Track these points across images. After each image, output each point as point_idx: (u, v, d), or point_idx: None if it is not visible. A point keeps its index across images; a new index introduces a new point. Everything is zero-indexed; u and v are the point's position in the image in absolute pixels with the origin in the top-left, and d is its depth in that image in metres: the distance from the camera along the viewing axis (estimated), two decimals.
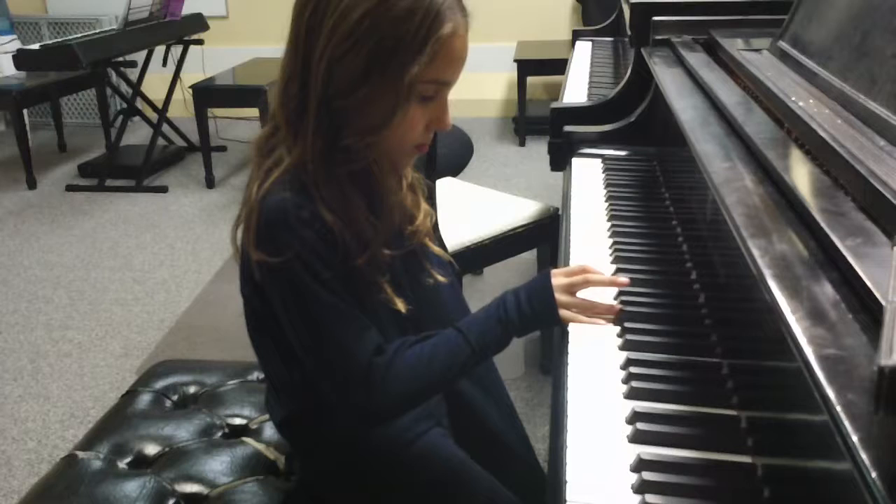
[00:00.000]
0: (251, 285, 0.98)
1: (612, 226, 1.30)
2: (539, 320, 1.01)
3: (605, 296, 1.04)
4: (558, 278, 1.02)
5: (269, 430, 1.22)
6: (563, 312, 1.00)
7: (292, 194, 0.90)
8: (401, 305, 0.98)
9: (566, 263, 1.19)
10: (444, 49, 0.89)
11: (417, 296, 1.03)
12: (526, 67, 4.32)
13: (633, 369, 0.89)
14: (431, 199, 1.13)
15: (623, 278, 1.04)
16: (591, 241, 1.26)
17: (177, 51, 4.37)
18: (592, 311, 1.01)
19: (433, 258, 1.09)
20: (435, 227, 1.13)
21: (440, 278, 1.08)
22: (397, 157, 0.98)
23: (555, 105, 1.80)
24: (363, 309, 0.95)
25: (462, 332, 0.97)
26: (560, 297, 1.00)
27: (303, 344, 0.96)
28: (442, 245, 1.16)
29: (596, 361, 0.93)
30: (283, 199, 0.90)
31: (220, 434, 1.24)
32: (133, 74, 4.34)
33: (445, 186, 2.22)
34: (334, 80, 0.89)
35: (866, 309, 0.60)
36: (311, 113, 0.91)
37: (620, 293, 1.05)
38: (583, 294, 1.02)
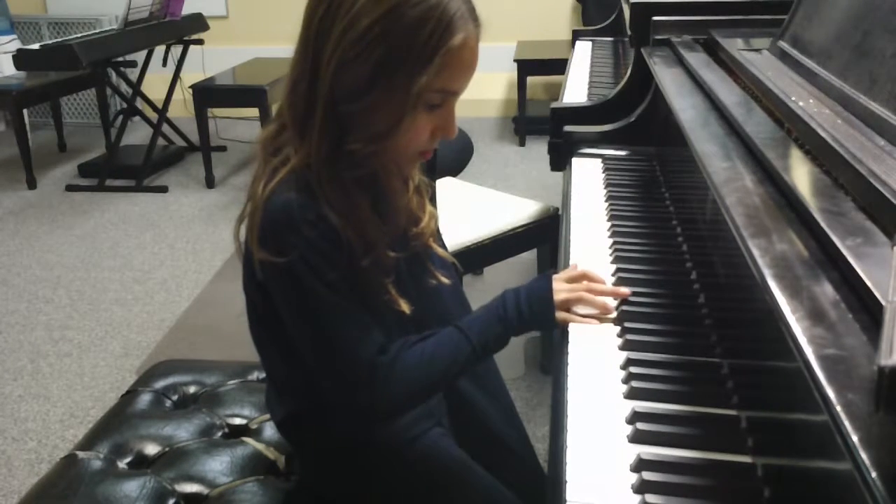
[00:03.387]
0: (254, 283, 0.98)
1: (612, 226, 1.30)
2: (536, 322, 1.02)
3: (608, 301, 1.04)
4: (559, 283, 1.04)
5: (269, 430, 1.22)
6: (559, 315, 1.01)
7: (297, 195, 0.90)
8: (404, 307, 0.98)
9: (566, 263, 1.19)
10: (455, 59, 0.88)
11: (420, 297, 1.03)
12: (526, 67, 4.32)
13: (633, 369, 0.89)
14: (432, 201, 1.13)
15: (624, 289, 1.04)
16: (591, 241, 1.26)
17: (177, 51, 4.36)
18: (585, 302, 1.02)
19: (436, 260, 1.09)
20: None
21: (443, 280, 1.08)
22: (401, 162, 0.98)
23: (555, 105, 1.80)
24: (367, 310, 0.95)
25: (462, 331, 0.98)
26: (557, 296, 1.02)
27: (307, 343, 0.96)
28: (443, 246, 1.16)
29: (596, 361, 0.93)
30: (288, 199, 0.90)
31: (220, 434, 1.24)
32: (133, 74, 4.34)
33: (445, 186, 2.22)
34: (342, 84, 0.88)
35: (866, 309, 0.60)
36: (318, 115, 0.90)
37: None
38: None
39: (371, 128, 0.91)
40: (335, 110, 0.90)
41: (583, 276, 1.06)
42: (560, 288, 1.03)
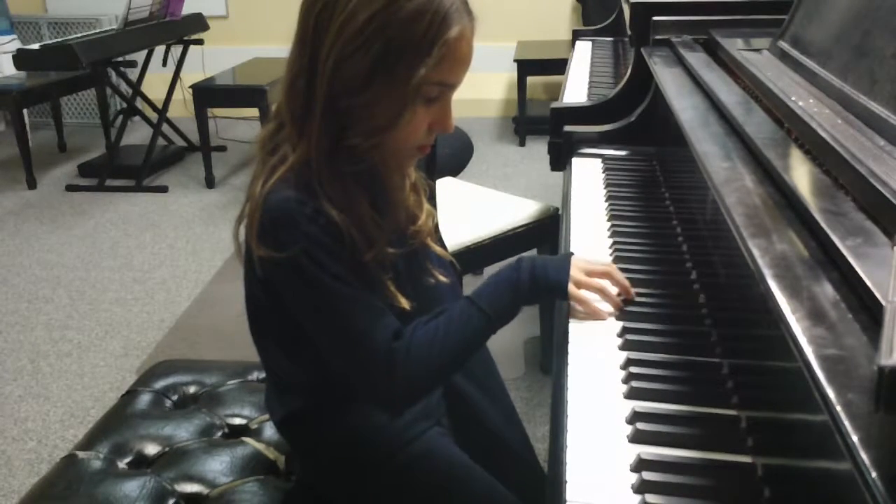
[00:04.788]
0: (257, 282, 0.98)
1: (612, 226, 1.30)
2: (549, 289, 1.02)
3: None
4: (581, 261, 1.04)
5: (269, 430, 1.22)
6: (573, 290, 1.01)
7: (296, 192, 0.91)
8: (404, 303, 0.98)
9: None
10: (451, 52, 0.89)
11: (419, 296, 1.03)
12: (526, 67, 4.32)
13: (633, 369, 0.89)
14: (432, 200, 1.13)
15: (632, 290, 1.04)
16: (591, 241, 1.26)
17: (177, 51, 4.36)
18: (603, 294, 1.02)
19: (435, 259, 1.09)
20: (435, 227, 1.13)
21: (442, 278, 1.08)
22: (400, 157, 0.99)
23: (555, 105, 1.80)
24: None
25: (473, 301, 0.98)
26: (575, 274, 1.02)
27: (322, 337, 0.96)
28: (442, 245, 1.16)
29: (596, 361, 0.93)
30: (287, 196, 0.90)
31: (220, 434, 1.24)
32: (133, 74, 4.34)
33: (445, 186, 2.22)
34: (341, 79, 0.89)
35: (866, 309, 0.60)
36: (317, 111, 0.91)
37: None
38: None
39: (371, 122, 0.91)
40: (334, 105, 0.91)
41: (605, 272, 1.04)
42: (580, 266, 1.03)
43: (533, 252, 2.24)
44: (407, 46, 0.87)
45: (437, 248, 1.10)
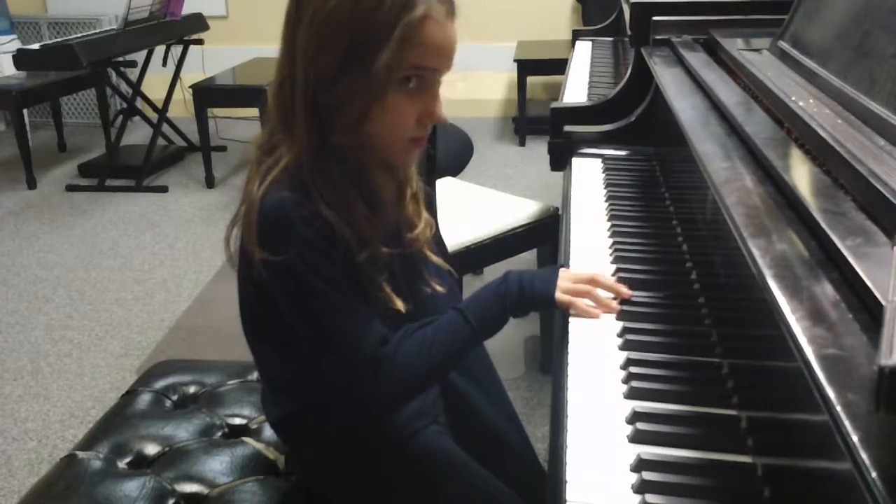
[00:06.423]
0: (250, 283, 0.98)
1: (612, 226, 1.30)
2: (537, 299, 1.02)
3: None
4: (567, 272, 1.05)
5: (269, 431, 1.21)
6: (560, 296, 1.01)
7: (291, 193, 0.91)
8: (399, 305, 0.98)
9: (566, 263, 1.19)
10: (417, 34, 0.88)
11: (416, 304, 1.03)
12: (526, 67, 4.33)
13: (633, 369, 0.89)
14: (432, 206, 1.13)
15: (627, 290, 1.04)
16: (591, 241, 1.26)
17: (177, 51, 4.36)
18: (591, 297, 1.02)
19: (432, 268, 1.09)
20: (435, 234, 1.13)
21: (438, 288, 1.08)
22: (393, 153, 0.98)
23: (555, 105, 1.80)
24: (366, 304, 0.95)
25: (461, 312, 0.99)
26: (561, 283, 1.02)
27: (309, 340, 0.96)
28: (442, 246, 1.16)
29: (596, 361, 0.93)
30: (282, 198, 0.90)
31: (220, 434, 1.24)
32: (133, 74, 4.34)
33: (445, 186, 2.22)
34: (316, 75, 0.89)
35: (866, 309, 0.60)
36: (300, 110, 0.91)
37: None
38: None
39: (348, 116, 0.91)
40: (314, 103, 0.91)
41: (591, 279, 1.05)
42: (567, 276, 1.04)
43: (533, 252, 2.24)
44: (372, 34, 0.87)
45: (435, 259, 1.10)
